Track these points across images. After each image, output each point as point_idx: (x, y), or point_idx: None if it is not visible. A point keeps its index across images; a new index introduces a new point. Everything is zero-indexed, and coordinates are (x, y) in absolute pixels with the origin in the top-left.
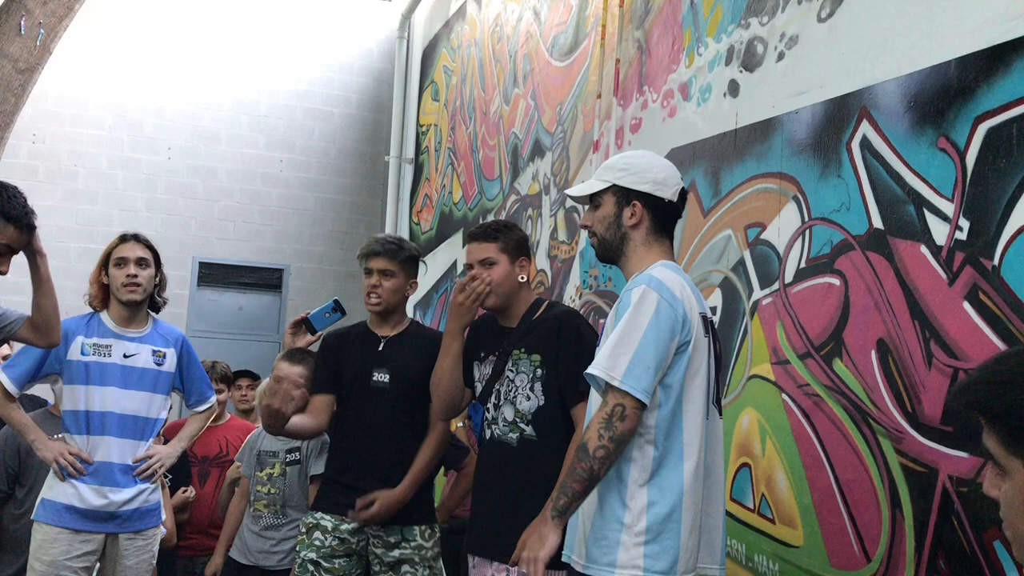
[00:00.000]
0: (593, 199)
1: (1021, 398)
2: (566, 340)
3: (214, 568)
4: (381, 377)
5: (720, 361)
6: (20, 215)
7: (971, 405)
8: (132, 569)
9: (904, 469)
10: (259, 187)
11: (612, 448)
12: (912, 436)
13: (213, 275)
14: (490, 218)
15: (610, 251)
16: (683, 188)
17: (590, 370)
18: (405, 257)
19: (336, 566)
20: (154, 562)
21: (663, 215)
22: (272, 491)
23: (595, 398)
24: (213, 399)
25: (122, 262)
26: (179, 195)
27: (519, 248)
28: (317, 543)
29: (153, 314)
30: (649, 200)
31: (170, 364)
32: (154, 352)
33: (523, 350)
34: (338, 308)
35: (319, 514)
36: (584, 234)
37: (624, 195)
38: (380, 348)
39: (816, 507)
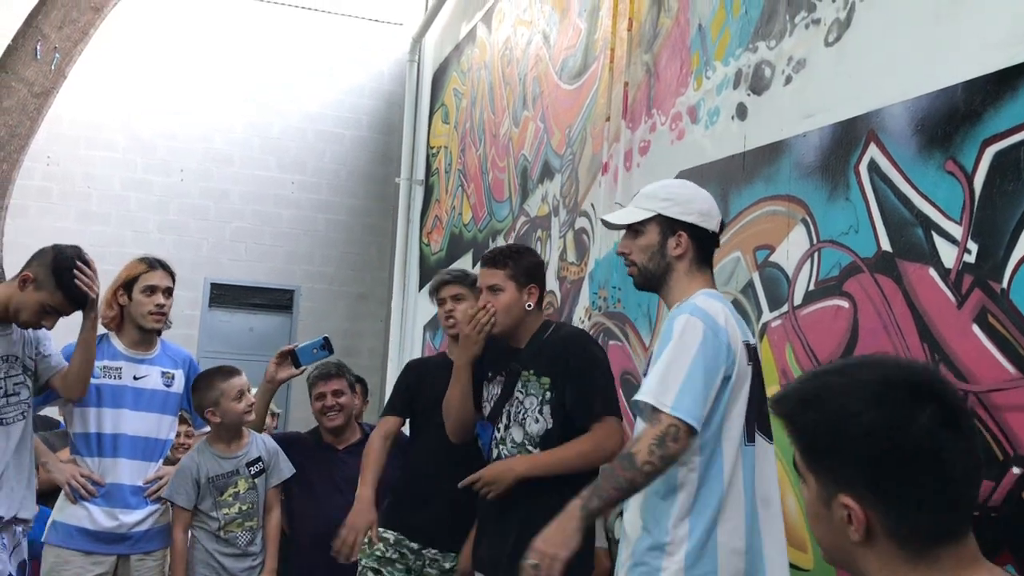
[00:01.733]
0: (633, 227)
1: (817, 419)
2: (575, 360)
3: None
4: None
5: (763, 387)
6: (76, 295)
7: (780, 415)
8: None
9: None
10: (270, 208)
11: (659, 466)
12: None
13: (224, 296)
14: (500, 240)
15: (652, 280)
16: (723, 220)
17: (639, 397)
18: (473, 281)
19: (396, 572)
20: None
21: (706, 245)
22: (244, 507)
23: (639, 425)
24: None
25: (151, 290)
26: (191, 216)
27: (529, 275)
28: (378, 553)
29: (160, 336)
30: (694, 231)
31: (179, 385)
32: (163, 373)
33: (532, 372)
34: (327, 346)
35: (381, 529)
36: (594, 255)
37: (669, 225)
38: None
39: None
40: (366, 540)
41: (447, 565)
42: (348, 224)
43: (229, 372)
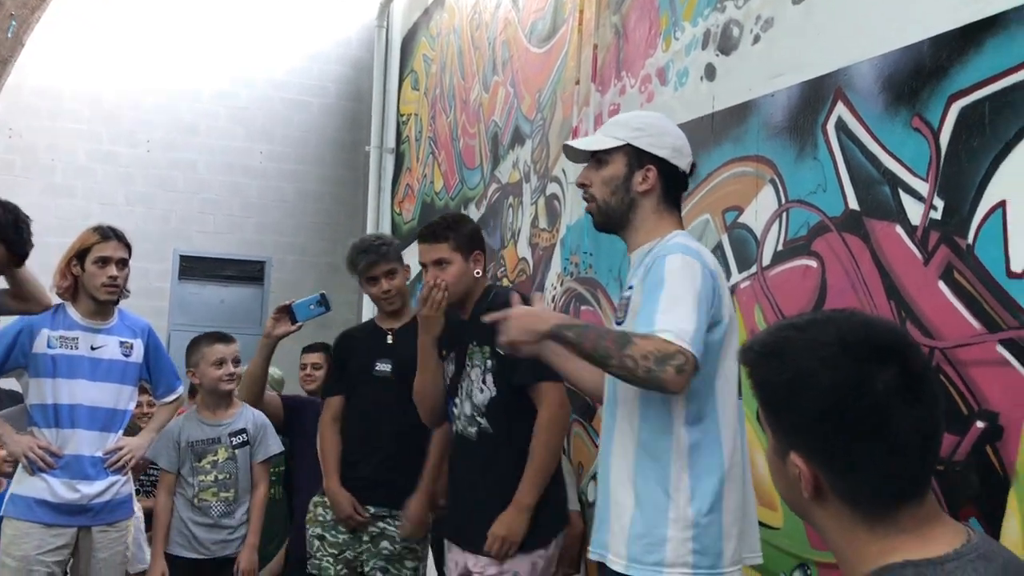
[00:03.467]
0: (598, 156)
1: (774, 374)
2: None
3: (159, 571)
4: (384, 367)
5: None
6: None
7: (743, 364)
8: (106, 562)
9: None
10: (239, 179)
11: (640, 375)
12: None
13: (194, 268)
14: (472, 208)
15: (612, 218)
16: (693, 161)
17: (651, 329)
18: (396, 251)
19: (340, 540)
20: (128, 554)
21: (674, 186)
22: (221, 476)
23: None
24: (180, 389)
25: (104, 262)
26: (159, 188)
27: (472, 242)
28: (320, 518)
29: (118, 305)
30: (663, 167)
31: (137, 355)
32: (121, 343)
33: (475, 343)
34: (323, 302)
35: (322, 498)
36: (565, 221)
37: (637, 157)
38: (388, 341)
39: None
40: (311, 508)
41: (383, 512)
42: (318, 193)
43: (217, 338)
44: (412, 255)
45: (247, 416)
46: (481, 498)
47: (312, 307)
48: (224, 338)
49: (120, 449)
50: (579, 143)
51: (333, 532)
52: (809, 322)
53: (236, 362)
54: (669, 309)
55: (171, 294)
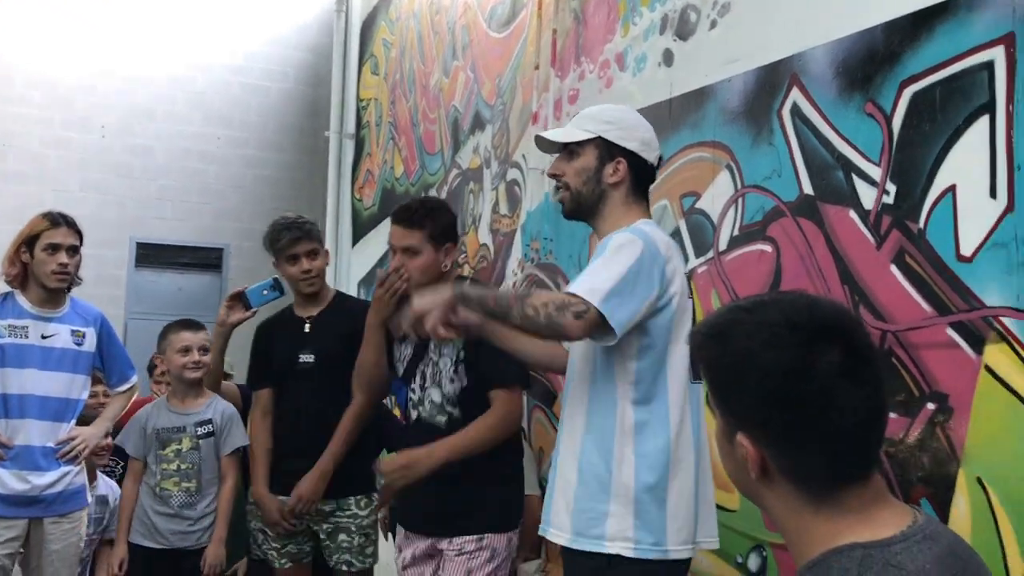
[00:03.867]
0: (569, 148)
1: (721, 355)
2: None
3: (119, 557)
4: (307, 359)
5: None
6: None
7: (692, 347)
8: (58, 554)
9: None
10: (196, 165)
11: (540, 323)
12: None
13: (151, 256)
14: (432, 194)
15: (583, 207)
16: (661, 154)
17: (569, 289)
18: (319, 233)
19: (281, 538)
20: (82, 545)
21: (643, 178)
22: (183, 466)
23: (604, 373)
24: (134, 378)
25: (54, 249)
26: (114, 174)
27: (446, 234)
28: (260, 514)
29: (70, 293)
30: (633, 160)
31: (90, 344)
32: (73, 332)
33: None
34: (276, 286)
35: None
36: (526, 207)
37: (608, 150)
38: (306, 329)
39: None
40: (251, 501)
41: (327, 509)
42: (277, 179)
43: (184, 326)
44: (377, 237)
45: (216, 407)
46: (452, 486)
47: (265, 292)
48: (191, 325)
49: (72, 439)
50: (551, 135)
51: (276, 528)
52: (755, 304)
53: (204, 351)
54: (588, 275)
55: (127, 282)
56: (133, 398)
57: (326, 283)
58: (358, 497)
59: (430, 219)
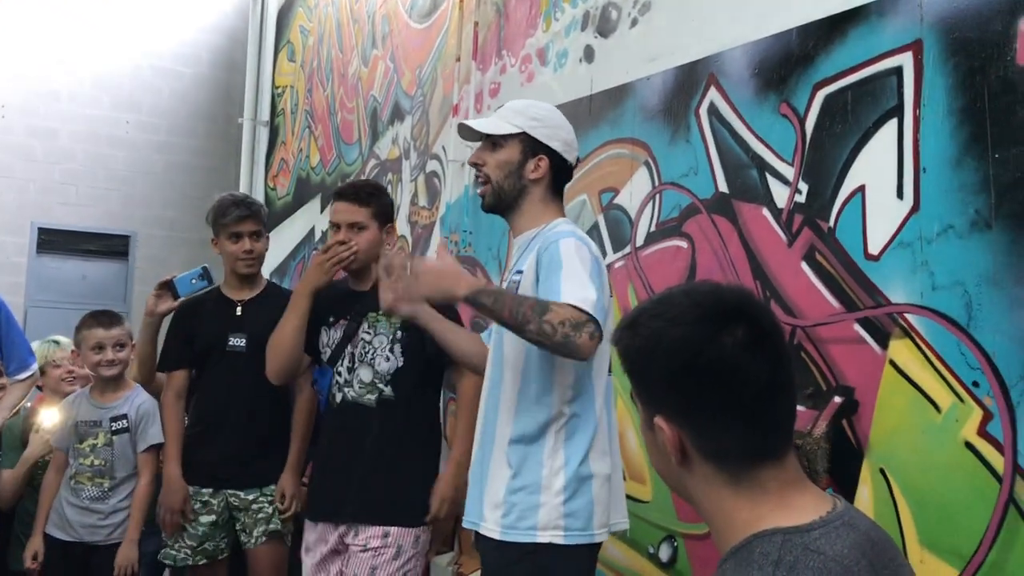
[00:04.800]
0: (493, 139)
1: (633, 342)
2: (437, 306)
3: (33, 550)
4: (237, 341)
5: None
6: None
7: (612, 342)
8: None
9: None
10: (104, 149)
11: (555, 340)
12: None
13: (54, 242)
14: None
15: (502, 200)
16: (579, 156)
17: (567, 301)
18: (264, 215)
19: (199, 532)
20: None
21: (561, 177)
22: (97, 462)
23: (534, 364)
24: (35, 366)
25: None
26: (16, 156)
27: (387, 215)
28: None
29: None
30: (554, 158)
31: None
32: None
33: (379, 312)
34: (205, 275)
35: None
36: (445, 199)
37: (531, 146)
38: (238, 312)
39: None
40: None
41: (249, 497)
42: (189, 166)
43: (97, 321)
44: (292, 226)
45: (133, 402)
46: (375, 466)
47: (194, 281)
48: (105, 320)
49: None
50: (477, 124)
51: (194, 524)
52: (664, 293)
53: (119, 346)
54: (572, 283)
55: (28, 269)
56: (32, 387)
57: (260, 269)
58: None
59: (376, 198)
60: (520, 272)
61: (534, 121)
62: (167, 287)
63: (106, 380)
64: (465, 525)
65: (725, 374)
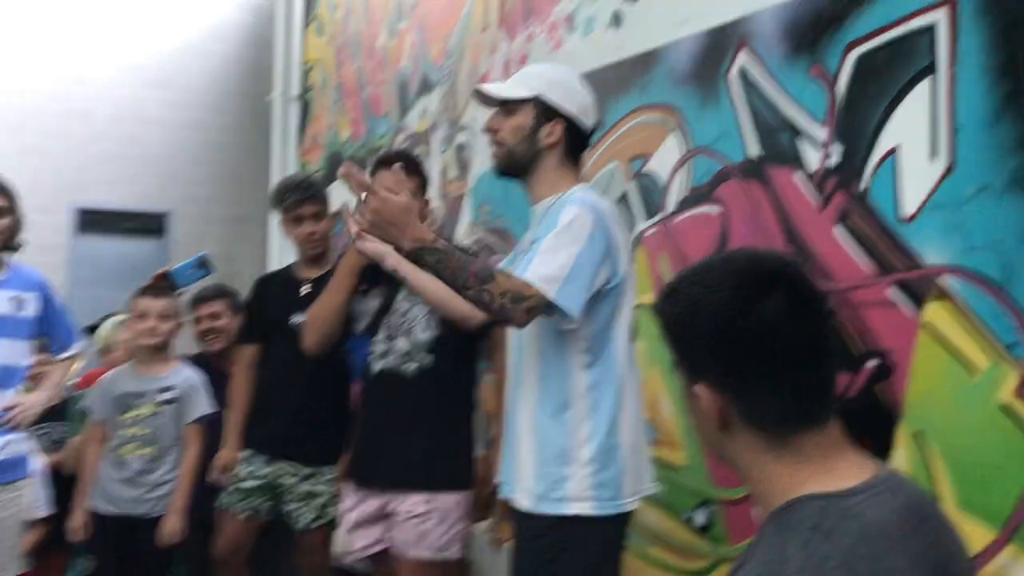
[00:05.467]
0: (508, 104)
1: (673, 309)
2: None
3: (80, 522)
4: (298, 320)
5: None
6: None
7: (653, 312)
8: (1, 523)
9: None
10: (137, 128)
11: (492, 308)
12: None
13: (92, 222)
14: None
15: (516, 165)
16: (597, 121)
17: (525, 277)
18: (325, 195)
19: (244, 490)
20: (25, 517)
21: (577, 143)
22: (143, 432)
23: (552, 343)
24: (78, 346)
25: None
26: (51, 139)
27: (425, 189)
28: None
29: (10, 259)
30: (569, 123)
31: (31, 310)
32: (12, 298)
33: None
34: (204, 264)
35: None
36: (475, 170)
37: (546, 111)
38: (302, 292)
39: None
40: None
41: (305, 471)
42: (221, 143)
43: (146, 291)
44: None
45: (180, 374)
46: (414, 434)
47: (192, 270)
48: (153, 292)
49: (14, 407)
50: (491, 89)
51: (240, 485)
52: (704, 261)
53: (163, 318)
54: (544, 257)
55: (68, 249)
56: (76, 366)
57: (330, 247)
58: (334, 466)
59: (418, 170)
60: (534, 243)
61: (550, 85)
62: (165, 279)
63: (149, 352)
64: (500, 495)
65: (764, 339)
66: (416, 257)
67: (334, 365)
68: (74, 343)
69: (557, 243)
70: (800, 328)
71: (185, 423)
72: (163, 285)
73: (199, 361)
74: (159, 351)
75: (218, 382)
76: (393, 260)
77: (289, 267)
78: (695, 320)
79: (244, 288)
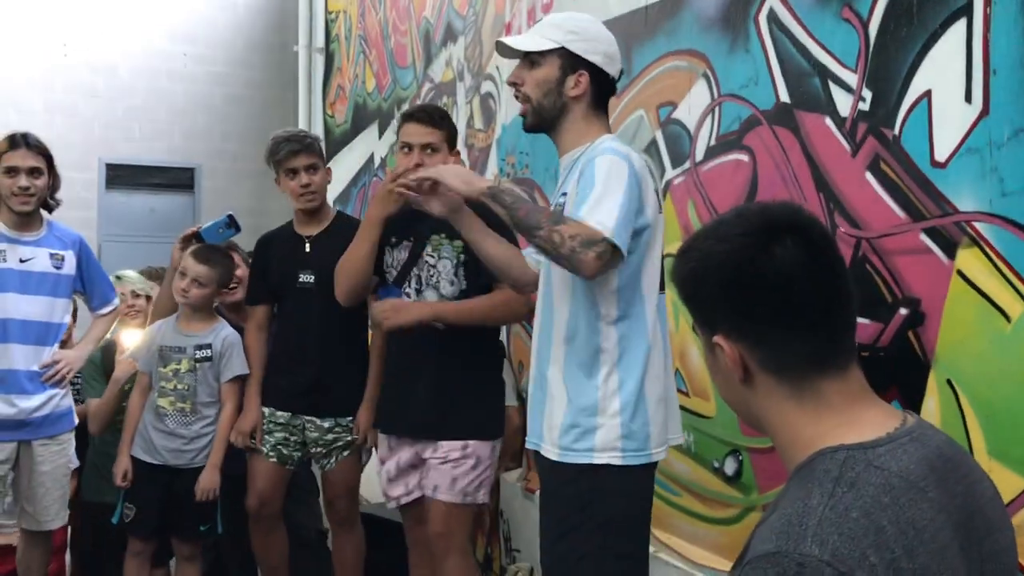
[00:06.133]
0: (531, 56)
1: (687, 266)
2: (491, 225)
3: (123, 469)
4: (307, 278)
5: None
6: None
7: (669, 273)
8: (49, 475)
9: None
10: (163, 84)
11: (563, 253)
12: None
13: (122, 177)
14: (405, 108)
15: (544, 119)
16: (623, 68)
17: (577, 215)
18: (320, 148)
19: (271, 441)
20: (71, 466)
21: (604, 91)
22: (179, 387)
23: (580, 287)
24: (116, 301)
25: (13, 172)
26: (79, 95)
27: (454, 139)
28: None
29: (48, 216)
30: (595, 72)
31: (69, 267)
32: (52, 255)
33: (444, 236)
34: (232, 224)
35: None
36: (500, 121)
37: (570, 61)
38: (307, 249)
39: None
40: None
41: (326, 424)
42: (248, 97)
43: (194, 253)
44: (351, 154)
45: (219, 333)
46: (445, 384)
47: (221, 230)
48: (203, 255)
49: (57, 363)
50: (513, 41)
51: (266, 439)
52: (717, 217)
53: (202, 283)
54: (596, 204)
55: (99, 204)
56: (115, 320)
57: (327, 201)
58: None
59: (447, 121)
60: (564, 194)
61: (572, 35)
62: (192, 239)
63: (193, 308)
64: (528, 446)
65: (776, 283)
66: (494, 196)
67: (348, 319)
68: (113, 299)
69: (603, 190)
70: (812, 272)
71: (222, 381)
72: (209, 249)
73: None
74: (198, 310)
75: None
76: (463, 222)
77: (288, 225)
78: (707, 271)
79: None
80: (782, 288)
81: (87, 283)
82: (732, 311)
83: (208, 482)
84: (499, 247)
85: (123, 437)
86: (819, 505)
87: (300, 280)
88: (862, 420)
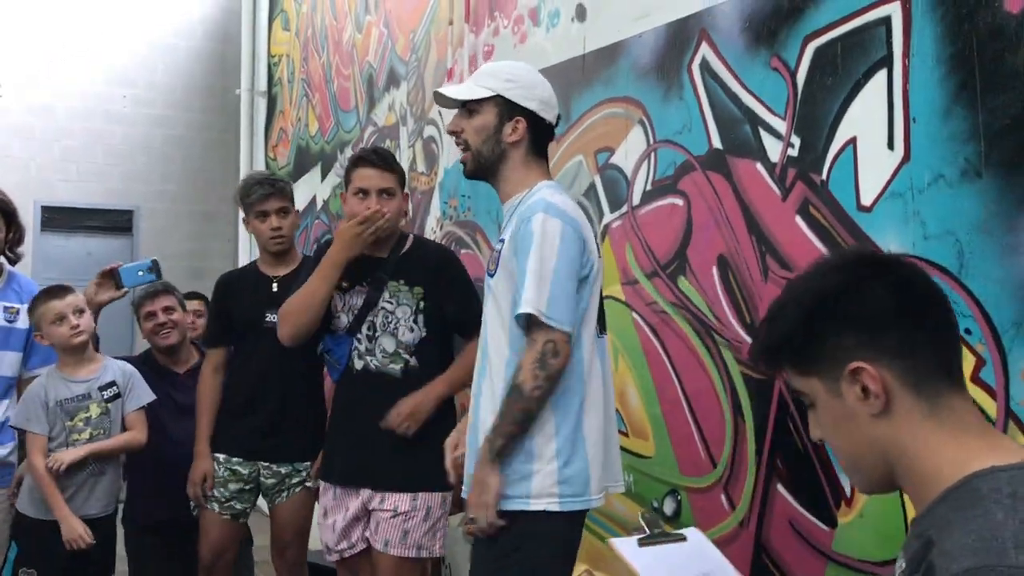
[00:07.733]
0: (468, 105)
1: (787, 317)
2: (452, 274)
3: (80, 531)
4: (274, 318)
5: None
6: None
7: (757, 359)
8: None
9: (744, 378)
10: (101, 125)
11: (547, 387)
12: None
13: (57, 220)
14: (348, 152)
15: (484, 166)
16: (559, 114)
17: (522, 310)
18: (291, 192)
19: (227, 494)
20: (4, 527)
21: (542, 137)
22: (95, 433)
23: (516, 335)
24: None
25: None
26: (15, 136)
27: (404, 182)
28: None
29: (9, 267)
30: (532, 119)
31: (24, 320)
32: (6, 308)
33: (402, 282)
34: (154, 269)
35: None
36: (443, 164)
37: (507, 108)
38: (274, 289)
39: (665, 418)
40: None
41: (283, 470)
42: (188, 139)
43: (49, 294)
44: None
45: (113, 368)
46: (400, 435)
47: (141, 273)
48: (56, 292)
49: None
50: (450, 91)
51: (221, 490)
52: (790, 282)
53: (79, 312)
54: (535, 283)
55: (33, 247)
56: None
57: (295, 244)
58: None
59: (398, 164)
60: (503, 241)
61: (508, 83)
62: (111, 276)
63: (76, 351)
64: (463, 494)
65: (898, 282)
66: (500, 453)
67: (309, 362)
68: (54, 360)
69: (539, 262)
70: (920, 280)
71: (127, 412)
72: (104, 280)
73: (143, 361)
74: (84, 348)
75: (164, 381)
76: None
77: (253, 265)
78: (817, 301)
79: (211, 285)
80: (903, 288)
81: (30, 340)
82: (861, 329)
83: (68, 532)
84: (459, 372)
85: (55, 503)
86: (1007, 519)
87: (267, 320)
88: (1003, 445)
